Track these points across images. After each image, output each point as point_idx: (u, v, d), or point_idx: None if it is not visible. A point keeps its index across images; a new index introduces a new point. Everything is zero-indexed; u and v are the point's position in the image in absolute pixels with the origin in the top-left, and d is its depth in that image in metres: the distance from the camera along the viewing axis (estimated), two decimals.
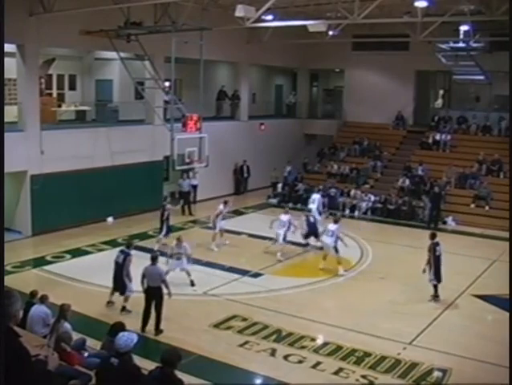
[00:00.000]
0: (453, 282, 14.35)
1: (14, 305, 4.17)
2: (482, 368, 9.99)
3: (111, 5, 16.19)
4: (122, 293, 12.10)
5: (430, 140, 25.20)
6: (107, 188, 19.28)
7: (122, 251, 12.45)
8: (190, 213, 21.27)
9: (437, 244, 13.07)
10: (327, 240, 15.20)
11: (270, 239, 16.77)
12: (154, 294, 11.10)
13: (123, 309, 12.01)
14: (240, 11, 16.38)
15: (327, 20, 19.86)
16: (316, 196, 20.00)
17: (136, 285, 12.28)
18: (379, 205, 22.38)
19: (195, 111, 19.08)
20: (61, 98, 22.39)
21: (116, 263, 12.24)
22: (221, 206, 17.42)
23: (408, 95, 27.08)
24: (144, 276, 11.25)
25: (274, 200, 24.39)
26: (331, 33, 21.69)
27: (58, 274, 14.39)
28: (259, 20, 17.49)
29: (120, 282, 12.08)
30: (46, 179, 17.59)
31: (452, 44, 22.21)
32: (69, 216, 18.22)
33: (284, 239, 16.22)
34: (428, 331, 11.55)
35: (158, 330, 11.03)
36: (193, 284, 13.54)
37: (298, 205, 23.62)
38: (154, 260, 11.43)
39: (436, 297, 13.08)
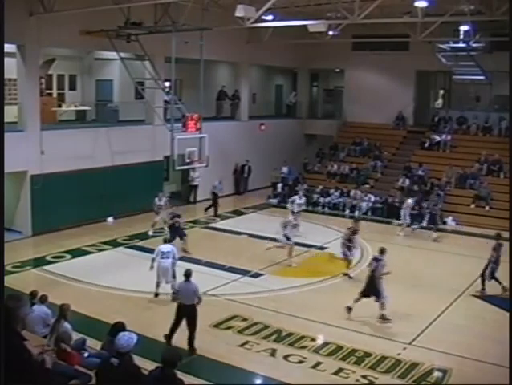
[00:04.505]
0: (453, 282, 14.37)
1: (22, 308, 4.16)
2: (483, 368, 9.99)
3: (111, 5, 16.18)
4: (377, 300, 11.89)
5: (430, 140, 25.20)
6: (107, 188, 19.27)
7: (375, 258, 12.23)
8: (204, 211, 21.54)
9: (501, 244, 13.55)
10: None
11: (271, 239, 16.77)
12: (187, 313, 10.32)
13: (383, 317, 11.86)
14: (240, 11, 16.36)
15: (327, 20, 19.83)
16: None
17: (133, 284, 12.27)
18: (379, 205, 22.40)
19: (195, 111, 19.08)
20: (61, 98, 22.41)
21: (371, 271, 12.06)
22: None
23: (408, 95, 27.08)
24: (177, 292, 10.77)
25: (274, 201, 24.40)
26: (331, 33, 21.67)
27: (58, 274, 14.38)
28: (259, 20, 17.46)
29: (374, 289, 11.87)
30: (46, 179, 17.58)
31: (452, 44, 22.21)
32: (69, 216, 18.21)
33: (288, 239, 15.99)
34: (429, 331, 11.55)
35: (192, 349, 10.24)
36: None
37: None
38: (188, 276, 10.54)
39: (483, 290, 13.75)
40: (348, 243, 15.01)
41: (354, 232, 15.19)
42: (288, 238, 15.72)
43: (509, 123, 23.37)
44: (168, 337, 10.39)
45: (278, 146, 26.70)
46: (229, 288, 13.80)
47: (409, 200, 19.88)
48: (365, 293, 11.95)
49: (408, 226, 19.54)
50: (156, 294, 12.85)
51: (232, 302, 12.80)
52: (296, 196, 20.08)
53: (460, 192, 22.12)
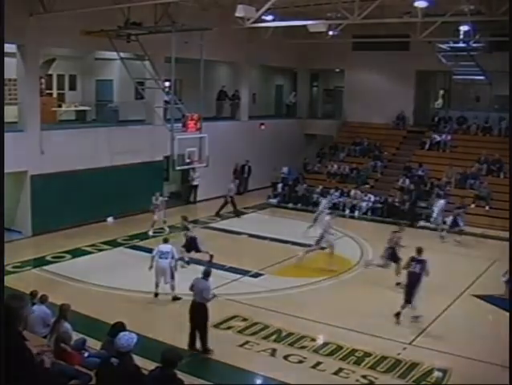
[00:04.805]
0: (453, 282, 14.38)
1: (24, 308, 4.16)
2: (482, 368, 10.00)
3: (111, 5, 16.18)
4: (408, 302, 11.81)
5: (430, 141, 25.21)
6: (107, 188, 19.26)
7: (415, 260, 11.91)
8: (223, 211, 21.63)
9: None
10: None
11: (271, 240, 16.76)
12: (197, 311, 10.25)
13: (397, 315, 11.81)
14: (240, 11, 16.37)
15: (327, 20, 19.85)
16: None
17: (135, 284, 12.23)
18: (379, 205, 22.40)
19: (195, 111, 19.07)
20: (61, 98, 22.40)
21: (412, 273, 11.79)
22: None
23: (408, 95, 27.07)
24: (191, 287, 10.57)
25: (274, 201, 24.41)
26: (331, 33, 21.70)
27: (58, 274, 14.39)
28: (259, 20, 17.48)
29: (412, 291, 11.73)
30: (46, 179, 17.59)
31: (452, 44, 22.21)
32: (69, 216, 18.20)
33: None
34: (428, 331, 11.56)
35: (205, 350, 10.19)
36: None
37: (299, 205, 23.68)
38: (206, 275, 10.50)
39: None
40: (393, 250, 14.37)
41: (399, 237, 14.69)
42: (319, 240, 15.56)
43: (509, 123, 23.38)
44: (190, 339, 10.26)
45: (278, 146, 26.69)
46: (229, 288, 13.79)
47: (442, 201, 19.71)
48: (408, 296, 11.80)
49: (450, 231, 18.96)
50: (156, 294, 12.84)
51: (232, 302, 12.79)
52: (324, 201, 20.24)
53: (460, 192, 22.12)
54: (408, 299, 11.75)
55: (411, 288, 11.75)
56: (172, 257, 12.83)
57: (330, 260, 15.35)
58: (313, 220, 18.86)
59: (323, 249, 16.14)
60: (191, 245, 15.33)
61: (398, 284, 13.92)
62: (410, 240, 18.61)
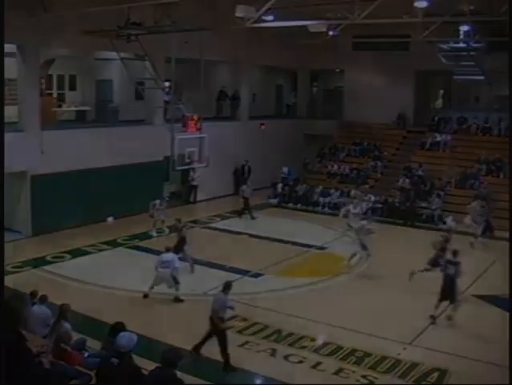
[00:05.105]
0: None
1: (24, 308, 4.17)
2: (482, 368, 10.00)
3: (111, 5, 16.18)
4: (452, 302, 11.98)
5: (430, 141, 25.23)
6: (107, 188, 19.26)
7: (451, 262, 12.05)
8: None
9: None
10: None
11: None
12: (213, 325, 9.93)
13: (449, 317, 11.97)
14: (240, 11, 16.35)
15: (327, 20, 19.84)
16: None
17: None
18: (379, 205, 22.39)
19: (195, 111, 19.06)
20: (61, 98, 22.40)
21: (447, 275, 12.01)
22: None
23: (408, 95, 27.09)
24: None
25: (274, 201, 24.41)
26: (331, 33, 21.69)
27: (58, 274, 14.39)
28: (259, 20, 17.45)
29: (452, 293, 11.91)
30: (46, 179, 17.59)
31: (452, 44, 22.21)
32: (69, 216, 18.20)
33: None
34: (428, 331, 11.56)
35: (226, 367, 9.78)
36: None
37: (299, 205, 23.68)
38: (226, 288, 10.08)
39: None
40: (441, 253, 13.84)
41: (446, 240, 14.42)
42: (364, 246, 15.39)
43: (509, 123, 23.38)
44: (198, 343, 10.12)
45: (278, 146, 26.69)
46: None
47: (474, 203, 19.27)
48: (444, 298, 11.94)
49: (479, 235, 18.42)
50: (145, 295, 12.78)
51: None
52: (350, 206, 19.45)
53: (460, 192, 22.12)
54: (452, 300, 11.93)
55: (448, 290, 11.91)
56: (174, 266, 12.75)
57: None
58: (347, 225, 18.28)
59: (322, 249, 16.09)
60: (180, 244, 15.11)
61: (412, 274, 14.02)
62: (411, 240, 18.69)
